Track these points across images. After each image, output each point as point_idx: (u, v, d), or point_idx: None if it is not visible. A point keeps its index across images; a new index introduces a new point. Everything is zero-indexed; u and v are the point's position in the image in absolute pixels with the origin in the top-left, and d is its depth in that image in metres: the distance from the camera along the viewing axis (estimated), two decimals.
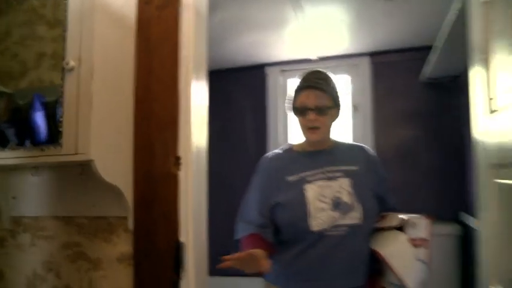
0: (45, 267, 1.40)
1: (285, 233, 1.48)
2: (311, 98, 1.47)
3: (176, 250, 1.24)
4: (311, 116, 1.47)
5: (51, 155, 1.16)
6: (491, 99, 0.96)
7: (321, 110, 1.46)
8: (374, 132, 3.21)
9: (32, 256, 1.42)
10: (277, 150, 1.65)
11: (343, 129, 3.31)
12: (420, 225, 1.45)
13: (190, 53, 1.32)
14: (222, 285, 2.98)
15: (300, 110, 1.50)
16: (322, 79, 1.51)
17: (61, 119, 1.15)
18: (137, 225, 1.29)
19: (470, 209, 2.63)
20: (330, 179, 1.48)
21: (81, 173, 1.33)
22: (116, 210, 1.31)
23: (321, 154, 1.56)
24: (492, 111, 0.97)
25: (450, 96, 2.99)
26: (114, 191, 1.25)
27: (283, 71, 3.47)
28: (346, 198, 1.44)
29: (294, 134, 3.40)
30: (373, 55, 3.23)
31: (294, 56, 3.31)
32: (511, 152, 0.86)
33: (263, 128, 3.45)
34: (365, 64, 3.25)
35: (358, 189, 1.48)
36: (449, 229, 2.74)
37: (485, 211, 1.14)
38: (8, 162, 1.24)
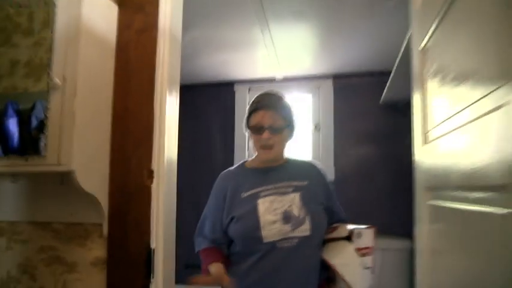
0: (20, 270, 1.48)
1: (240, 245, 1.55)
2: (265, 118, 1.55)
3: (147, 256, 1.36)
4: (265, 134, 1.55)
5: (35, 165, 1.25)
6: (426, 132, 1.13)
7: (274, 129, 1.55)
8: (334, 151, 3.39)
9: (7, 258, 1.50)
10: (231, 168, 1.75)
11: (303, 147, 3.49)
12: (365, 234, 1.57)
13: (165, 75, 1.45)
14: None
15: (255, 129, 1.58)
16: (276, 100, 1.60)
17: (35, 128, 1.26)
18: (111, 232, 1.39)
19: None
20: (281, 194, 1.56)
21: (61, 183, 1.42)
22: (92, 218, 1.41)
23: (273, 171, 1.64)
24: (426, 143, 1.14)
25: (404, 120, 3.21)
26: (91, 200, 1.35)
27: (250, 88, 3.62)
28: (296, 211, 1.52)
29: None
30: (335, 77, 3.43)
31: (261, 75, 3.47)
32: (439, 179, 1.02)
33: (231, 143, 3.59)
34: (328, 85, 3.45)
35: (307, 203, 1.55)
36: (401, 244, 2.91)
37: (419, 227, 1.30)
38: None
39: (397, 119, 3.25)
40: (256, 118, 1.58)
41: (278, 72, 3.38)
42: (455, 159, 0.87)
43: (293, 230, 1.50)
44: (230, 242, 1.60)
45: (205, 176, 3.50)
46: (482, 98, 0.73)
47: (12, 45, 1.39)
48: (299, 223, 1.51)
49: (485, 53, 0.74)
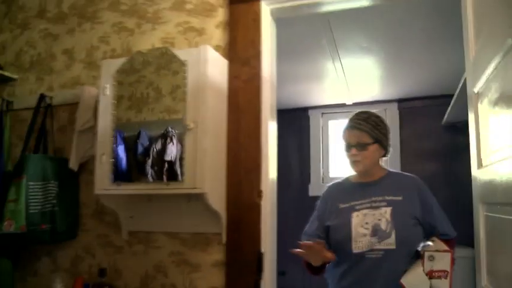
0: (155, 269, 1.90)
1: (334, 252, 1.67)
2: (352, 136, 1.75)
3: (258, 258, 1.72)
4: (353, 151, 1.74)
5: (175, 188, 1.66)
6: (480, 158, 1.41)
7: (360, 146, 1.72)
8: (401, 168, 3.64)
9: (145, 261, 1.92)
10: (339, 180, 1.93)
11: None
12: (439, 257, 1.57)
13: (267, 114, 1.83)
14: None
15: (345, 147, 1.79)
16: (363, 120, 1.76)
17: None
18: (229, 240, 1.77)
19: None
20: (374, 208, 1.69)
21: (188, 201, 1.83)
22: (213, 229, 1.80)
23: (370, 185, 1.77)
24: (481, 167, 1.42)
25: (464, 138, 3.42)
26: (214, 215, 1.74)
27: (323, 113, 3.98)
28: (384, 225, 1.64)
29: (335, 168, 3.91)
30: (400, 101, 3.71)
31: (332, 101, 3.81)
32: (493, 196, 1.29)
33: (307, 161, 3.95)
34: (393, 108, 3.73)
35: (397, 217, 1.65)
36: (464, 252, 3.07)
37: (477, 237, 1.54)
38: (140, 192, 1.75)
39: (457, 138, 3.46)
40: (345, 137, 1.79)
41: (348, 98, 3.70)
42: (503, 181, 1.16)
43: (379, 242, 1.62)
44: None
45: (284, 190, 3.89)
46: None
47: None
48: (385, 236, 1.63)
49: None
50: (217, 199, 1.73)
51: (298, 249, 1.58)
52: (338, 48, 2.77)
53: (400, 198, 1.71)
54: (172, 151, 1.69)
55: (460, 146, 3.47)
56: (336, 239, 1.72)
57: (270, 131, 1.84)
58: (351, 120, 1.81)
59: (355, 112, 1.84)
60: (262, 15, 1.86)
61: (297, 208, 3.32)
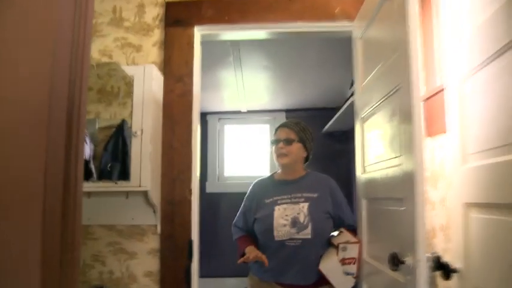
0: (93, 258, 2.12)
1: (260, 240, 2.01)
2: (282, 133, 2.07)
3: (189, 245, 2.06)
4: (280, 145, 2.03)
5: (124, 187, 1.93)
6: (364, 166, 1.96)
7: (287, 141, 2.02)
8: None
9: (82, 252, 2.13)
10: (263, 177, 2.21)
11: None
12: (350, 248, 1.89)
13: (196, 124, 2.18)
14: (213, 285, 3.81)
15: (274, 141, 2.08)
16: (294, 123, 2.09)
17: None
18: (163, 230, 2.09)
19: None
20: (294, 203, 1.96)
21: (126, 197, 2.09)
22: (148, 221, 2.09)
23: (291, 183, 2.05)
24: (364, 172, 1.97)
25: (341, 145, 4.13)
26: (152, 209, 2.04)
27: (220, 118, 4.39)
28: (301, 218, 1.90)
29: (229, 168, 4.36)
30: (287, 111, 4.29)
31: (229, 108, 4.25)
32: (370, 191, 1.83)
33: (203, 165, 4.31)
34: (281, 117, 4.29)
35: (312, 212, 1.91)
36: None
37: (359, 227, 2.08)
38: (89, 190, 1.98)
39: (334, 145, 4.15)
40: (276, 134, 2.10)
41: (244, 106, 4.17)
42: (377, 183, 1.70)
43: (298, 232, 1.90)
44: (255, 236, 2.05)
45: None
46: (391, 158, 1.55)
47: (107, 104, 2.06)
48: (303, 227, 1.90)
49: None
50: (155, 195, 2.04)
51: (241, 259, 1.93)
52: (242, 65, 3.20)
53: (315, 195, 2.00)
54: (87, 151, 1.95)
55: (336, 151, 4.15)
56: (261, 228, 2.00)
57: (198, 137, 2.20)
58: (284, 122, 2.18)
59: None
60: (195, 39, 2.20)
61: None
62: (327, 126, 3.93)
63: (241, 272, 2.31)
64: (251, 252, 1.93)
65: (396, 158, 1.48)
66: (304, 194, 2.00)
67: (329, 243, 1.99)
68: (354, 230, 2.01)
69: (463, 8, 1.29)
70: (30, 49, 0.63)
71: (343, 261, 1.89)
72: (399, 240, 1.41)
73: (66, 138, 0.74)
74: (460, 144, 1.30)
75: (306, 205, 1.96)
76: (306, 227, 1.90)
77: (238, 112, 4.30)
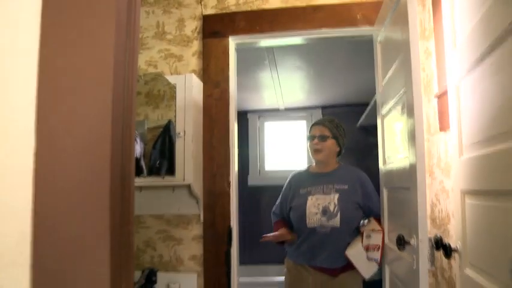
0: (145, 245, 2.42)
1: (294, 226, 2.25)
2: (316, 130, 2.26)
3: (229, 231, 2.32)
4: (315, 141, 2.23)
5: (169, 181, 2.21)
6: (385, 158, 2.15)
7: (321, 138, 2.21)
8: None
9: (135, 239, 2.43)
10: (299, 170, 2.43)
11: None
12: (374, 235, 2.06)
13: (233, 123, 2.42)
14: (255, 271, 4.09)
15: (310, 138, 2.28)
16: (328, 120, 2.28)
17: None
18: (205, 219, 2.35)
19: None
20: (326, 193, 2.15)
21: (173, 191, 2.37)
22: (192, 211, 2.37)
23: (324, 175, 2.24)
24: (384, 164, 2.15)
25: (373, 139, 4.25)
26: (195, 200, 2.32)
27: (260, 116, 4.64)
28: (331, 208, 2.09)
29: (270, 162, 4.63)
30: (323, 108, 4.48)
31: (268, 106, 4.49)
32: (390, 180, 2.01)
33: (245, 160, 4.58)
34: (318, 114, 4.48)
35: (342, 202, 2.10)
36: None
37: (382, 209, 2.29)
38: (139, 184, 2.27)
39: (368, 138, 4.28)
40: (311, 131, 2.31)
41: (281, 104, 4.39)
42: (393, 173, 1.88)
43: (327, 220, 2.10)
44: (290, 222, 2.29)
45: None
46: (402, 152, 1.74)
47: (155, 106, 2.35)
48: (332, 216, 2.09)
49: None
50: (198, 188, 2.30)
51: (266, 236, 2.20)
52: (277, 66, 3.42)
53: (346, 187, 2.18)
54: (138, 149, 2.23)
55: (370, 144, 4.28)
56: (296, 216, 2.23)
57: (235, 136, 2.45)
58: (318, 120, 2.38)
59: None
60: (230, 48, 2.44)
61: (239, 194, 3.95)
62: (360, 120, 4.08)
63: (281, 259, 2.54)
64: (282, 230, 2.23)
65: (405, 151, 1.66)
66: (336, 186, 2.18)
67: (358, 232, 2.16)
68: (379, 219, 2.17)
69: (456, 16, 1.45)
70: (94, 68, 0.77)
71: (368, 248, 2.06)
72: (406, 223, 1.60)
73: (122, 138, 0.83)
74: (457, 138, 1.47)
75: (336, 196, 2.14)
76: (335, 215, 2.09)
77: (277, 110, 4.53)
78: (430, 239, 1.45)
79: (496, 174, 1.20)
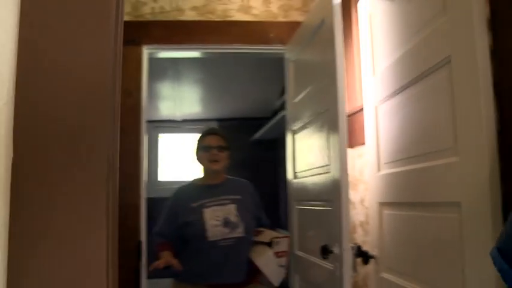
0: None
1: (191, 243, 2.00)
2: (213, 140, 2.12)
3: (137, 245, 2.21)
4: (213, 151, 2.08)
5: None
6: (295, 173, 2.27)
7: (220, 148, 2.10)
8: None
9: None
10: (184, 184, 2.24)
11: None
12: (282, 242, 2.09)
13: (143, 136, 2.35)
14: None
15: (205, 148, 2.11)
16: (221, 131, 2.24)
17: None
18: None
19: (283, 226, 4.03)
20: (222, 204, 2.04)
21: None
22: None
23: (215, 187, 2.12)
24: (295, 178, 2.27)
25: (268, 152, 4.44)
26: None
27: (156, 127, 4.54)
28: (232, 218, 2.00)
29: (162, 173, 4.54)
30: (220, 120, 4.54)
31: (164, 117, 4.42)
32: (309, 195, 2.11)
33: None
34: (214, 126, 4.50)
35: (241, 212, 2.03)
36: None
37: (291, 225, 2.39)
38: None
39: (261, 152, 4.44)
40: (205, 140, 2.14)
41: (178, 115, 4.36)
42: (308, 187, 2.00)
43: (230, 231, 1.99)
44: (181, 240, 2.04)
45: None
46: (321, 166, 1.86)
47: None
48: (235, 226, 2.01)
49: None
50: None
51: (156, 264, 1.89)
52: (180, 78, 3.41)
53: (239, 197, 2.12)
54: None
55: (263, 158, 4.45)
56: (193, 231, 2.01)
57: (145, 147, 2.37)
58: (210, 129, 2.29)
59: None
60: (143, 57, 2.37)
61: None
62: (257, 135, 4.22)
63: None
64: (166, 255, 1.95)
65: (326, 167, 1.78)
66: (230, 196, 2.11)
67: (253, 242, 2.14)
68: (270, 228, 2.22)
69: (376, 50, 1.63)
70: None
71: (277, 255, 2.07)
72: (328, 234, 1.71)
73: None
74: (376, 155, 1.62)
75: (233, 206, 2.07)
76: (237, 225, 2.02)
77: (174, 121, 4.48)
78: (352, 248, 1.58)
79: (411, 188, 1.37)
